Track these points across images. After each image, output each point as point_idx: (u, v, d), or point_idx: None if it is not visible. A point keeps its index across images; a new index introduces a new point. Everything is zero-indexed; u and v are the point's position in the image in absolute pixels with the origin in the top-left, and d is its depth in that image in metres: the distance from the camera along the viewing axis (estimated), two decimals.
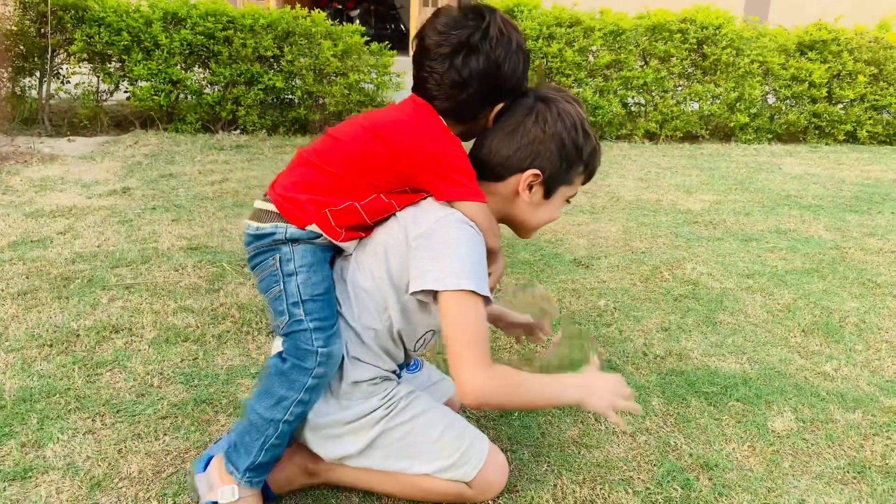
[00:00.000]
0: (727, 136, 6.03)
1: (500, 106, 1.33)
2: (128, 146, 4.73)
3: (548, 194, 1.38)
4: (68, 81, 5.37)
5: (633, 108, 5.98)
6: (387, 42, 5.70)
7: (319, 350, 1.29)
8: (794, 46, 6.00)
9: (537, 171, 1.33)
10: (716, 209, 3.76)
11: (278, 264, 1.32)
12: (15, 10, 5.03)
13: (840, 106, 6.16)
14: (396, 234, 1.31)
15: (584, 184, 1.44)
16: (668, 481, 1.51)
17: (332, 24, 5.48)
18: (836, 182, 4.59)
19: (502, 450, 1.50)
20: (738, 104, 5.85)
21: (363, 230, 1.36)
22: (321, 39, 5.38)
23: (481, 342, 1.22)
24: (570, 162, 1.36)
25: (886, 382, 1.97)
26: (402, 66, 5.81)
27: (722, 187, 4.24)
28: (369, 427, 1.36)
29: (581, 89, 5.71)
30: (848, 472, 1.56)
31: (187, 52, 5.17)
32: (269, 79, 5.26)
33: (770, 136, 5.99)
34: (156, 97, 5.16)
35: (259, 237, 1.34)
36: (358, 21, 10.04)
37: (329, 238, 1.32)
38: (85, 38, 5.02)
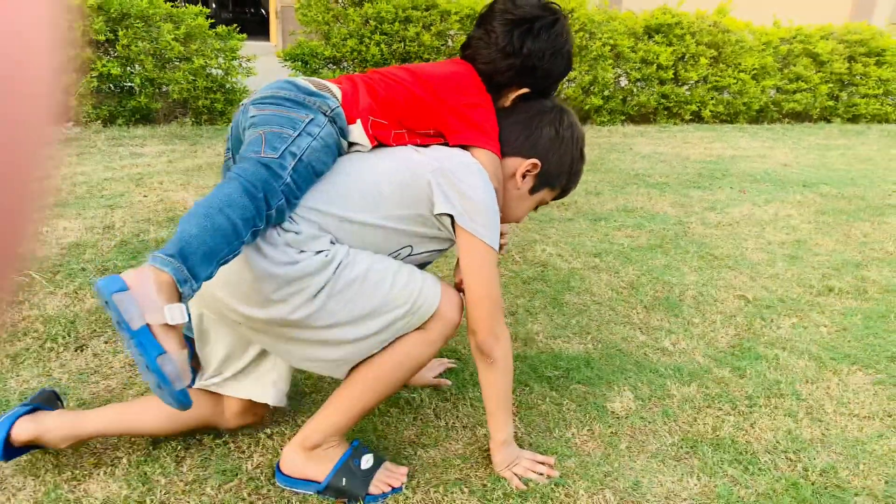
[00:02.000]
0: (583, 119, 6.19)
1: (522, 91, 1.44)
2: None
3: (533, 190, 1.48)
4: None
5: None
6: (235, 25, 5.37)
7: (282, 190, 1.20)
8: (643, 30, 6.24)
9: (537, 162, 1.44)
10: None
11: (306, 121, 1.27)
12: None
13: (685, 87, 6.49)
14: (420, 159, 1.35)
15: (553, 199, 1.55)
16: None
17: (172, 6, 5.09)
18: (681, 160, 4.80)
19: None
20: (591, 87, 6.01)
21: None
22: (160, 22, 4.98)
23: (498, 294, 1.38)
24: (561, 170, 1.48)
25: (719, 353, 2.02)
26: (253, 51, 5.52)
27: None
28: (315, 289, 1.24)
29: None
30: (681, 447, 1.57)
31: None
32: (104, 65, 4.82)
33: (623, 117, 6.21)
34: None
35: (306, 91, 1.31)
36: (214, 4, 9.51)
37: (362, 138, 1.34)
38: None
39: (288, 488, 1.38)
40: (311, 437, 1.38)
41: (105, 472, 1.40)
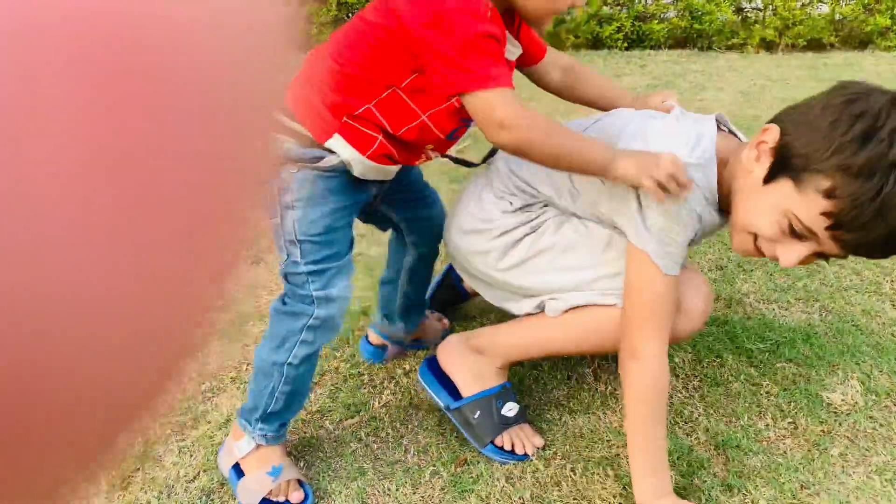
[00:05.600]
0: (863, 43, 5.12)
1: None
2: None
3: (769, 178, 1.02)
4: None
5: (748, 14, 5.19)
6: None
7: (315, 294, 1.10)
8: None
9: (774, 127, 1.02)
10: None
11: (276, 194, 1.10)
12: None
13: None
14: None
15: (835, 243, 0.98)
16: (670, 463, 1.17)
17: None
18: None
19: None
20: (876, 4, 4.93)
21: (392, 150, 1.08)
22: None
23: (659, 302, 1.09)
24: (834, 157, 0.95)
25: None
26: None
27: None
28: (513, 242, 1.19)
29: None
30: None
31: None
32: None
33: None
34: None
35: None
36: None
37: (354, 154, 1.05)
38: None
39: (423, 387, 1.29)
40: (479, 342, 1.27)
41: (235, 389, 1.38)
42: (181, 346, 0.17)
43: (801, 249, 0.99)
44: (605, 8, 4.99)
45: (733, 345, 1.51)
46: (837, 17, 5.04)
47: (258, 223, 0.18)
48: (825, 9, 5.11)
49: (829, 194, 0.92)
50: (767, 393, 1.35)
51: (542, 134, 0.99)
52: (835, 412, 1.29)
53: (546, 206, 1.22)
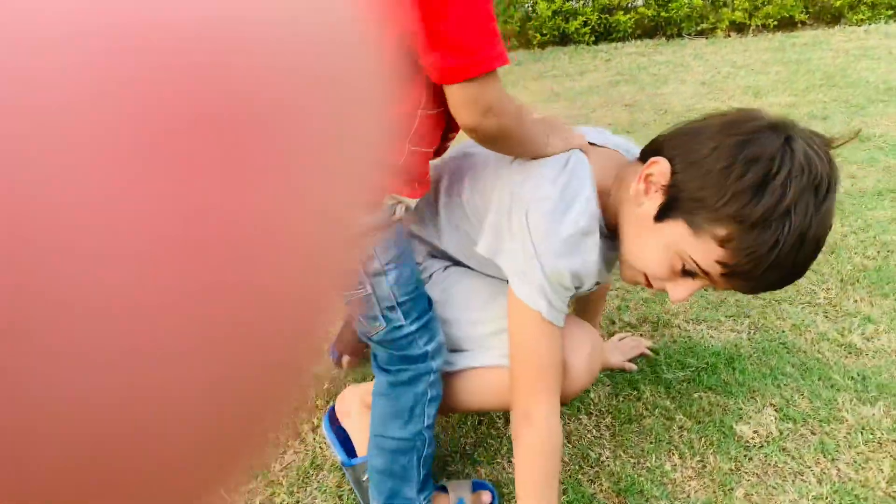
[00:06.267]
0: (835, 18, 5.03)
1: None
2: None
3: (660, 215, 0.96)
4: None
5: None
6: None
7: (429, 349, 1.06)
8: None
9: (661, 160, 0.96)
10: (786, 114, 3.05)
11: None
12: None
13: None
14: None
15: (724, 275, 0.91)
16: None
17: None
18: None
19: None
20: None
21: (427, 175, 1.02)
22: None
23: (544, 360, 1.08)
24: (725, 198, 0.91)
25: None
26: None
27: (803, 85, 3.47)
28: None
29: None
30: (840, 497, 1.10)
31: None
32: None
33: (890, 13, 4.93)
34: None
35: None
36: None
37: (404, 201, 1.00)
38: None
39: (327, 439, 1.28)
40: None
41: None
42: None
43: (693, 285, 0.96)
44: (569, 2, 4.92)
45: (653, 374, 1.46)
46: None
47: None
48: None
49: (724, 243, 0.88)
50: (680, 428, 1.30)
51: (518, 120, 0.92)
52: (745, 446, 1.24)
53: (432, 256, 1.19)
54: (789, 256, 0.86)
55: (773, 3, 4.87)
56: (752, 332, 1.58)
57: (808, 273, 1.77)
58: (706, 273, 0.91)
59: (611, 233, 1.05)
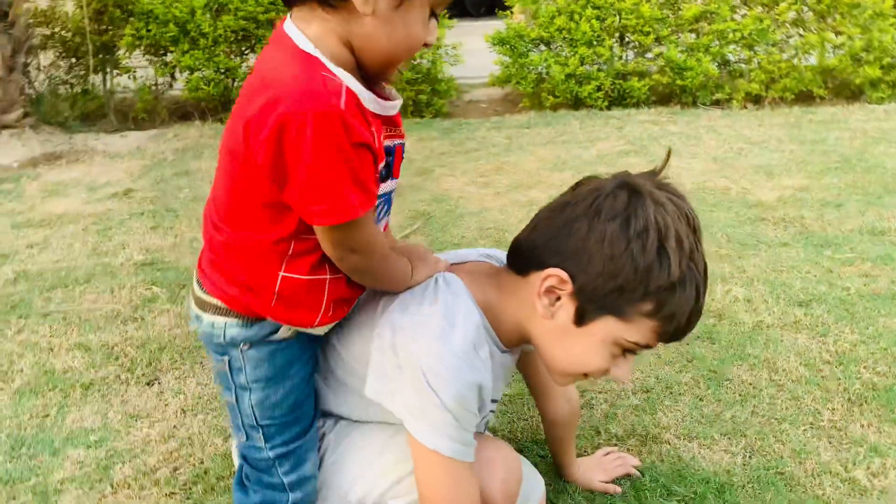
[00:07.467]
0: (854, 94, 4.95)
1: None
2: (166, 140, 4.61)
3: (581, 319, 0.99)
4: (133, 76, 5.38)
5: (734, 67, 5.07)
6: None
7: (287, 481, 1.01)
8: None
9: (558, 272, 0.98)
10: (797, 199, 2.95)
11: (227, 370, 0.99)
12: (75, 8, 5.12)
13: None
14: None
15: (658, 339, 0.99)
16: None
17: None
18: None
19: None
20: (865, 54, 4.77)
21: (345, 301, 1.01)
22: None
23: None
24: (631, 282, 0.95)
25: None
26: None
27: (818, 167, 3.37)
28: None
29: (665, 48, 4.89)
30: None
31: (232, 38, 4.99)
32: None
33: None
34: (205, 87, 5.02)
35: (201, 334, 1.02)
36: None
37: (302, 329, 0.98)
38: (133, 31, 4.99)
39: None
40: None
41: None
42: None
43: (632, 359, 1.02)
44: (582, 67, 4.88)
45: (636, 500, 1.33)
46: (825, 67, 4.88)
47: None
48: (812, 60, 4.96)
49: (655, 314, 0.94)
50: None
51: (382, 257, 0.95)
52: None
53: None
54: (705, 294, 0.96)
55: (791, 77, 4.81)
56: (748, 455, 1.44)
57: (814, 389, 1.65)
58: (646, 346, 0.97)
59: (508, 348, 1.08)
